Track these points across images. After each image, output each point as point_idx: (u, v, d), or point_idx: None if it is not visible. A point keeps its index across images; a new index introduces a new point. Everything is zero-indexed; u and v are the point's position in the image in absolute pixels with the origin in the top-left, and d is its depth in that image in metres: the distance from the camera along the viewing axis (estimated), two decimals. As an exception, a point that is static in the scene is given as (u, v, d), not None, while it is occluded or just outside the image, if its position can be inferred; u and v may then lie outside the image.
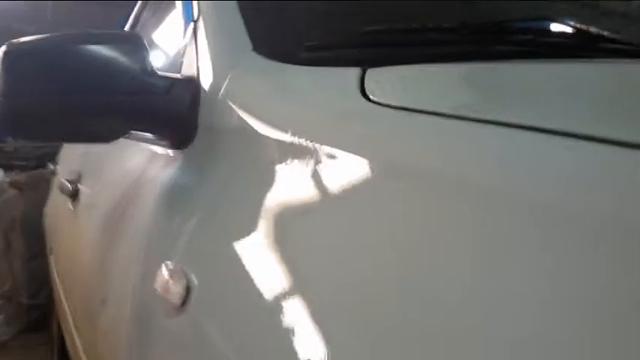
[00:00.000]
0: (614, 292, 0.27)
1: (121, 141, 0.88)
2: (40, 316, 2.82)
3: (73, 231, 1.50)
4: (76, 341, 1.38)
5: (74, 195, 1.54)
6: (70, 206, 1.57)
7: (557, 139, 0.37)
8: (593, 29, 0.82)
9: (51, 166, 2.47)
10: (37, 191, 2.83)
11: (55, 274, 1.96)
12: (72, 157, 1.93)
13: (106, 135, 0.83)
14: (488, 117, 0.43)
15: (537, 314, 0.29)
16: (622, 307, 0.27)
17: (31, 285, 2.96)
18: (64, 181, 1.68)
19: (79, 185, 1.55)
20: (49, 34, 0.79)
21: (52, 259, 2.10)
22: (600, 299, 0.28)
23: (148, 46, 0.80)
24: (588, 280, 0.29)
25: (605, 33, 0.82)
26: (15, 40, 0.77)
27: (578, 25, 0.84)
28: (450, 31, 0.79)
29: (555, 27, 0.84)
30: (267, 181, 0.57)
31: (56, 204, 2.00)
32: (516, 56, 0.72)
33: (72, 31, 0.81)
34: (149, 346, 0.69)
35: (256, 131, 0.65)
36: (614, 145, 0.34)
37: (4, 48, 0.76)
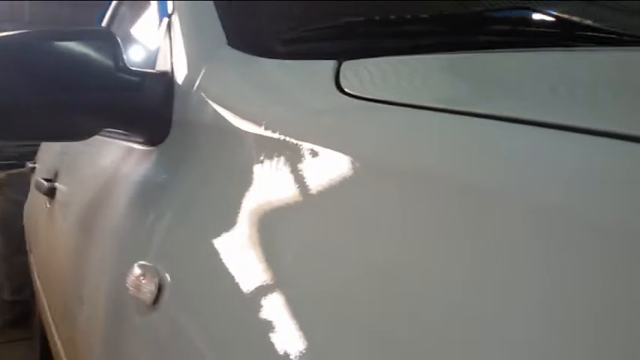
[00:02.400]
0: (609, 292, 0.26)
1: (97, 138, 0.87)
2: (22, 312, 2.83)
3: (50, 229, 1.49)
4: (55, 338, 1.37)
5: (51, 193, 1.53)
6: (47, 204, 1.56)
7: (537, 130, 0.36)
8: (573, 19, 0.82)
9: (30, 165, 2.45)
10: (17, 190, 2.82)
11: (35, 272, 1.95)
12: (50, 155, 1.92)
13: (79, 133, 0.82)
14: (465, 109, 0.43)
15: (526, 315, 0.29)
16: (620, 305, 0.26)
17: (14, 282, 2.96)
18: (40, 179, 1.66)
19: (55, 184, 1.54)
20: (19, 31, 0.77)
21: (31, 257, 2.10)
22: (591, 297, 0.27)
23: (120, 42, 0.79)
24: (579, 278, 0.28)
25: (586, 22, 0.82)
26: None
27: (557, 15, 0.84)
28: (427, 22, 0.78)
29: (534, 16, 0.84)
30: (241, 176, 0.57)
31: (34, 202, 1.99)
32: (494, 47, 0.72)
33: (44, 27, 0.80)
34: (123, 343, 0.68)
35: (231, 125, 0.64)
36: (596, 135, 0.33)
37: None
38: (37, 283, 1.88)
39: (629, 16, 1.09)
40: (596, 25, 0.82)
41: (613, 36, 0.81)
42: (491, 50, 0.71)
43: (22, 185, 2.60)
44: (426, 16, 0.79)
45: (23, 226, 2.43)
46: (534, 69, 0.53)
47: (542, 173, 0.33)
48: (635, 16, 1.07)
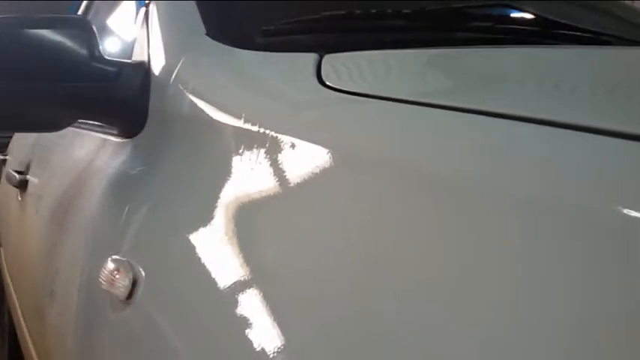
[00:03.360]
0: (606, 291, 0.26)
1: (71, 129, 0.85)
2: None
3: (21, 223, 1.47)
4: (25, 333, 1.36)
5: (22, 186, 1.50)
6: (19, 197, 1.53)
7: (519, 124, 0.36)
8: (552, 16, 0.83)
9: (1, 157, 2.40)
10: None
11: (5, 267, 1.92)
12: (22, 147, 1.89)
13: (52, 124, 0.81)
14: (446, 103, 0.43)
15: (516, 312, 0.28)
16: (619, 309, 0.25)
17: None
18: (11, 171, 1.64)
19: (27, 176, 1.51)
20: (-9, 18, 0.75)
21: (1, 252, 2.06)
22: (577, 294, 0.27)
23: (95, 31, 0.77)
24: (559, 272, 0.27)
25: (565, 21, 0.82)
26: None
27: (534, 12, 0.84)
28: (409, 17, 0.78)
29: (514, 14, 0.84)
30: (219, 169, 0.56)
31: (5, 195, 1.95)
32: (475, 42, 0.72)
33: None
34: (95, 338, 0.67)
35: (209, 118, 0.63)
36: (576, 130, 0.33)
37: None
38: (7, 278, 1.85)
39: (603, 17, 1.11)
40: (572, 23, 0.83)
41: (589, 35, 0.82)
42: (471, 46, 0.71)
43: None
44: (406, 11, 0.79)
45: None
46: (513, 64, 0.53)
47: (525, 167, 0.33)
48: (608, 17, 1.08)
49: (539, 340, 0.26)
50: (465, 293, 0.30)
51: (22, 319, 1.44)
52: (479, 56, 0.58)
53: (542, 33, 0.83)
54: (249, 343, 0.39)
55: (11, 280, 1.74)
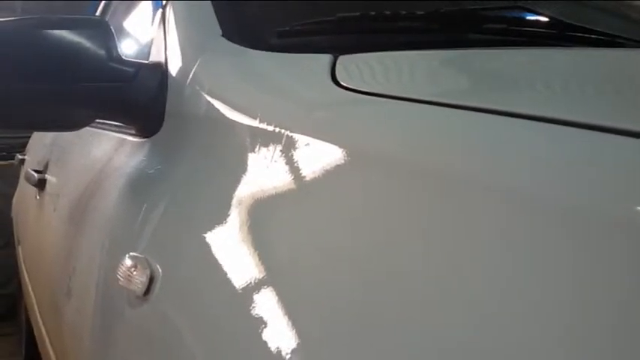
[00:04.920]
0: (609, 290, 0.26)
1: (88, 129, 0.86)
2: (9, 306, 2.80)
3: (39, 221, 1.48)
4: (42, 331, 1.36)
5: (40, 185, 1.52)
6: (37, 196, 1.55)
7: (533, 124, 0.36)
8: (566, 19, 0.82)
9: (19, 157, 2.43)
10: (6, 181, 2.79)
11: (23, 265, 1.94)
12: (40, 146, 1.91)
13: (70, 123, 0.81)
14: (460, 103, 0.43)
15: (514, 311, 0.28)
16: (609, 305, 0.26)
17: (0, 275, 2.93)
18: (30, 170, 1.65)
19: (45, 175, 1.53)
20: (10, 18, 0.77)
21: (19, 250, 2.08)
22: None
23: (114, 32, 0.78)
24: (562, 272, 0.28)
25: (578, 23, 0.82)
26: None
27: (550, 15, 0.84)
28: (422, 18, 0.78)
29: (529, 16, 0.84)
30: (235, 168, 0.56)
31: (23, 194, 1.97)
32: (489, 44, 0.72)
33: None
34: (112, 335, 0.68)
35: (225, 118, 0.64)
36: (588, 129, 0.33)
37: None
38: (25, 276, 1.86)
39: (621, 20, 1.10)
40: (587, 26, 0.83)
41: (603, 37, 0.82)
42: (484, 47, 0.71)
43: (10, 177, 2.58)
44: (420, 13, 0.79)
45: (11, 219, 2.41)
46: (527, 65, 0.53)
47: (543, 168, 0.33)
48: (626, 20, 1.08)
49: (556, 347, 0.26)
50: (479, 294, 0.30)
51: (39, 317, 1.45)
52: (492, 57, 0.58)
53: (556, 35, 0.83)
54: (265, 341, 0.40)
55: (29, 278, 1.75)
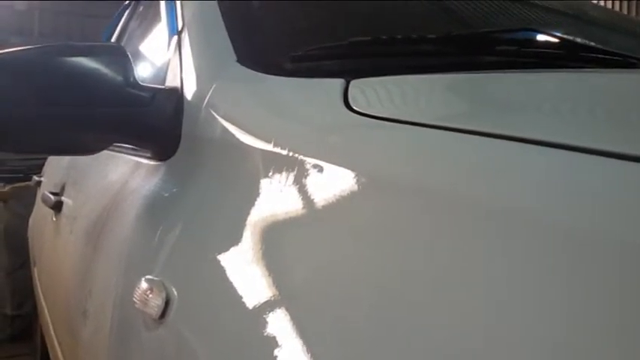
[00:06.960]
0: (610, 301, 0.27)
1: (105, 152, 0.87)
2: (24, 326, 2.82)
3: (55, 243, 1.49)
4: (58, 353, 1.36)
5: (57, 207, 1.53)
6: (53, 218, 1.56)
7: (541, 149, 0.37)
8: (578, 40, 0.83)
9: (36, 178, 2.45)
10: (22, 203, 2.82)
11: (39, 286, 1.95)
12: (56, 169, 1.93)
13: (88, 147, 0.83)
14: (473, 128, 0.43)
15: (532, 330, 0.29)
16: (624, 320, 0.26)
17: (16, 296, 2.95)
18: (47, 192, 1.67)
19: (62, 197, 1.54)
20: (31, 46, 0.78)
21: (35, 271, 2.09)
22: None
23: (130, 58, 0.80)
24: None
25: (591, 43, 0.82)
26: None
27: (563, 36, 0.84)
28: (434, 42, 0.79)
29: (540, 37, 0.85)
30: (249, 192, 0.57)
31: (40, 216, 1.99)
32: (501, 67, 0.73)
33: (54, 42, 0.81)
34: (128, 358, 0.68)
35: (240, 142, 0.65)
36: (595, 154, 0.34)
37: None
38: (41, 298, 1.87)
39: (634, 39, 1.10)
40: (600, 46, 0.83)
41: (618, 58, 0.82)
42: (497, 70, 0.71)
43: (27, 199, 2.60)
44: (432, 36, 0.80)
45: (28, 240, 2.43)
46: (539, 89, 0.54)
47: (550, 192, 0.33)
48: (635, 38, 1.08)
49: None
50: (493, 319, 0.30)
51: (54, 339, 1.45)
52: (506, 80, 0.58)
53: (569, 56, 0.83)
54: None
55: (44, 300, 1.76)
